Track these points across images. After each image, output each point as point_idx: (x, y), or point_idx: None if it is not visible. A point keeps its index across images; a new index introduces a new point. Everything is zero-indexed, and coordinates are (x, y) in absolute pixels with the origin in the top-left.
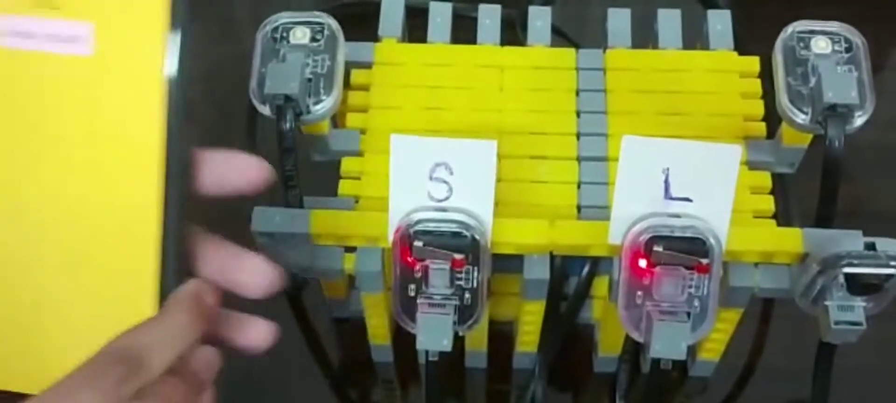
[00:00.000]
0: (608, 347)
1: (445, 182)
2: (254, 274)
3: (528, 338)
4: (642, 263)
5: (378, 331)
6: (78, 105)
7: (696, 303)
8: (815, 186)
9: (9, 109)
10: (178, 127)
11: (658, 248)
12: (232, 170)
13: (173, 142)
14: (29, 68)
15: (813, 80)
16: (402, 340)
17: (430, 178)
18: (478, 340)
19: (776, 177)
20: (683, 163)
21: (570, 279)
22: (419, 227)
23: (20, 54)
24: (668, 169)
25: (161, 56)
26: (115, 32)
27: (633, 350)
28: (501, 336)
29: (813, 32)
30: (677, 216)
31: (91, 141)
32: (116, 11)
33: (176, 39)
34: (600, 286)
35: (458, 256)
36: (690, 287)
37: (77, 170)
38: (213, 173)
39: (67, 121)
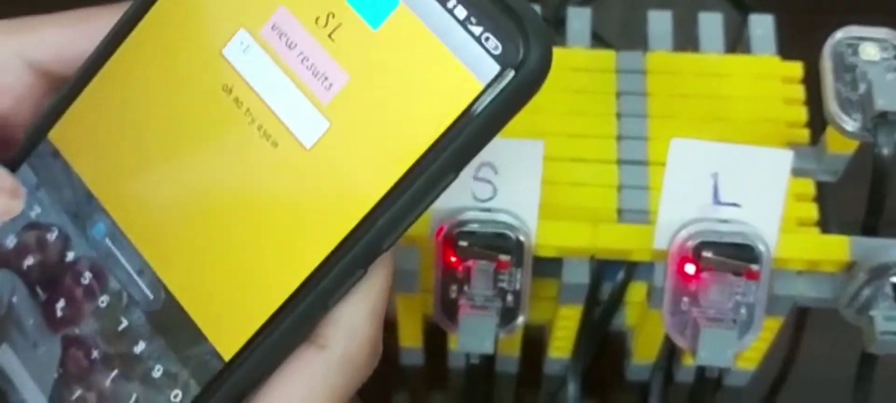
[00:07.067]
0: (643, 354)
1: (490, 182)
2: None
3: (561, 344)
4: (689, 269)
5: (410, 333)
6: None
7: (743, 310)
8: (851, 194)
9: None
10: None
11: (707, 254)
12: None
13: None
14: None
15: (862, 87)
16: (426, 343)
17: (475, 178)
18: (511, 344)
19: (815, 185)
20: (733, 168)
21: (603, 284)
22: (464, 228)
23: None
24: (716, 173)
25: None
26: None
27: (667, 357)
28: (532, 340)
29: (862, 39)
30: (725, 221)
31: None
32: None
33: None
34: (635, 291)
35: (503, 258)
36: (738, 293)
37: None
38: None
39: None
